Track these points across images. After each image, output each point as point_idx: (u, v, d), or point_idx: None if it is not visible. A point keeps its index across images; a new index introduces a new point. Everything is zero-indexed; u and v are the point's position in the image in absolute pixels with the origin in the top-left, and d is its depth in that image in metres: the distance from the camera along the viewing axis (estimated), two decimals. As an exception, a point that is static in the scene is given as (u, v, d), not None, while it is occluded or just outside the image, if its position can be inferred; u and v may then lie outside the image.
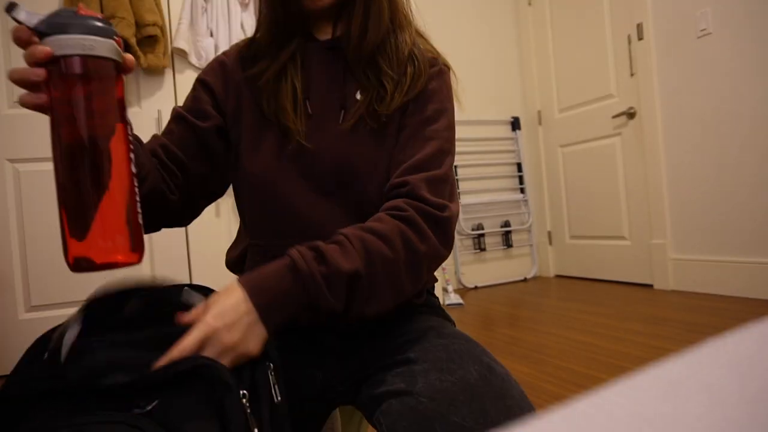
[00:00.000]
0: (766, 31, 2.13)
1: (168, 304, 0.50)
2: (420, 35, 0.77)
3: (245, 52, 0.75)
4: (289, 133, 0.68)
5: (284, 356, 0.63)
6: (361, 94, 0.69)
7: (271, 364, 0.51)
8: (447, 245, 0.62)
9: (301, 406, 0.64)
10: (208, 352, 0.46)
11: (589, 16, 2.98)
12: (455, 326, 0.75)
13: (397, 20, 0.72)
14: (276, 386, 0.51)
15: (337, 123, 0.68)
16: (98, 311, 0.47)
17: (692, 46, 2.40)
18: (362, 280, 0.54)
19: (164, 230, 0.74)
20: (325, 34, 0.73)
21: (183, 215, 0.73)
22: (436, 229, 0.60)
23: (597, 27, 2.93)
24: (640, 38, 2.64)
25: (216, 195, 0.77)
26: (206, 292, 0.56)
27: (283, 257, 0.53)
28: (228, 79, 0.74)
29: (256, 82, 0.72)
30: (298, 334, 0.68)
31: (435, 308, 0.76)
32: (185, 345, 0.45)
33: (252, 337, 0.49)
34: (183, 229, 2.07)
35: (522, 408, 0.52)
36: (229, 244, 0.80)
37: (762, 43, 2.14)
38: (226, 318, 0.48)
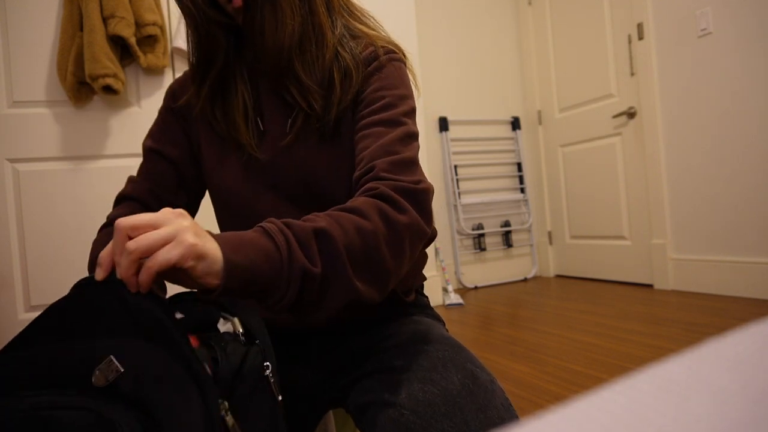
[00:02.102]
0: (766, 30, 2.13)
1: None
2: (360, 21, 0.70)
3: (187, 74, 0.73)
4: (243, 148, 0.67)
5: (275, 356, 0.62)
6: (298, 109, 0.64)
7: (269, 364, 0.51)
8: (427, 219, 0.56)
9: (292, 407, 0.64)
10: (160, 233, 0.40)
11: (589, 16, 2.98)
12: (444, 326, 0.75)
13: (317, 15, 0.64)
14: (275, 385, 0.51)
15: (284, 136, 0.66)
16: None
17: (693, 46, 2.40)
18: (332, 239, 0.47)
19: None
20: None
21: None
22: (412, 202, 0.54)
23: (597, 26, 2.93)
24: (641, 38, 2.64)
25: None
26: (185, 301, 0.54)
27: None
28: (182, 109, 0.73)
29: (199, 92, 0.69)
30: (287, 335, 0.68)
31: (424, 308, 0.75)
32: (137, 220, 0.40)
33: (205, 241, 0.42)
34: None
35: (503, 419, 0.52)
36: None
37: (763, 43, 2.14)
38: (187, 235, 0.41)
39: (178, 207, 0.66)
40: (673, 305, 2.27)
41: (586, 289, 2.86)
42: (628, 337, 1.86)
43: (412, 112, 0.65)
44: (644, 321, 2.05)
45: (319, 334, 0.69)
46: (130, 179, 0.72)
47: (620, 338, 1.85)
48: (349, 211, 0.51)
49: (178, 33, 2.15)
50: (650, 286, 2.71)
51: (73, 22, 1.91)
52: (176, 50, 2.17)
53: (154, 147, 0.72)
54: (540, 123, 3.42)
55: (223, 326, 0.51)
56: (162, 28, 2.04)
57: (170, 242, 0.40)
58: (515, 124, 3.42)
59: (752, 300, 2.20)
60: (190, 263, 0.40)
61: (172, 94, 0.75)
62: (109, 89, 1.90)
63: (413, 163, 0.60)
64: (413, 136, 0.63)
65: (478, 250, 3.23)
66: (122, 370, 0.38)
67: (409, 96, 0.66)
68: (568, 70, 3.18)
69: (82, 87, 1.94)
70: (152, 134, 0.74)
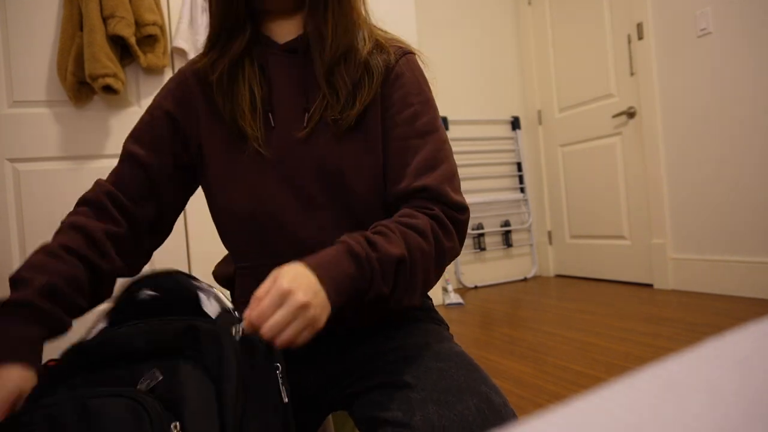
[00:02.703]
0: (766, 30, 2.13)
1: (174, 291, 0.55)
2: (375, 26, 0.73)
3: (201, 61, 0.70)
4: (246, 138, 0.65)
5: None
6: (320, 101, 0.65)
7: (279, 365, 0.53)
8: (462, 244, 0.65)
9: (295, 409, 0.64)
10: (283, 312, 0.46)
11: (588, 16, 2.98)
12: (448, 329, 0.75)
13: (360, 18, 0.68)
14: (284, 387, 0.52)
15: (301, 129, 0.65)
16: (119, 307, 0.54)
17: (692, 46, 2.40)
18: (406, 266, 0.56)
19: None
20: (282, 35, 0.69)
21: (133, 266, 0.69)
22: (457, 230, 0.63)
23: (597, 26, 2.93)
24: (640, 38, 2.64)
25: (164, 235, 0.73)
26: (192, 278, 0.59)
27: (337, 244, 0.54)
28: (188, 95, 0.70)
29: (208, 78, 0.68)
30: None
31: (429, 311, 0.75)
32: (264, 305, 0.46)
33: (321, 305, 0.49)
34: (183, 228, 2.07)
35: None
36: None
37: (762, 43, 2.14)
38: (299, 281, 0.48)
39: (142, 217, 0.67)
40: (673, 305, 2.27)
41: (586, 288, 2.86)
42: (628, 336, 1.86)
43: (437, 114, 0.70)
44: (644, 321, 2.05)
45: (325, 337, 0.69)
46: (97, 182, 0.68)
47: (620, 338, 1.85)
48: (414, 230, 0.58)
49: (178, 33, 2.15)
50: (650, 285, 2.72)
51: (73, 22, 1.90)
52: (176, 50, 2.17)
53: (130, 150, 0.69)
54: (540, 123, 3.42)
55: (208, 304, 0.54)
56: (162, 28, 2.04)
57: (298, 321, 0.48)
58: (515, 123, 3.42)
59: (752, 299, 2.20)
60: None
61: (178, 83, 0.72)
62: (109, 89, 1.90)
63: (453, 174, 0.65)
64: (445, 140, 0.68)
65: (478, 250, 3.23)
66: (160, 377, 0.46)
67: (431, 97, 0.70)
68: (567, 69, 3.18)
69: (82, 87, 1.94)
70: (134, 133, 0.71)
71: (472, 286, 3.17)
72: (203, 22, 2.20)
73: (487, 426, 0.52)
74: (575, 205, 3.20)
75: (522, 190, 3.42)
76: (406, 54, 0.69)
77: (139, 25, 1.95)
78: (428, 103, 0.68)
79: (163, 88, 0.73)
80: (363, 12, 0.69)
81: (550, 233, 3.42)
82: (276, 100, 0.67)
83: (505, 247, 3.33)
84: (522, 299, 2.74)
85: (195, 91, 0.70)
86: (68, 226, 0.61)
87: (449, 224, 0.61)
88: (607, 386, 0.16)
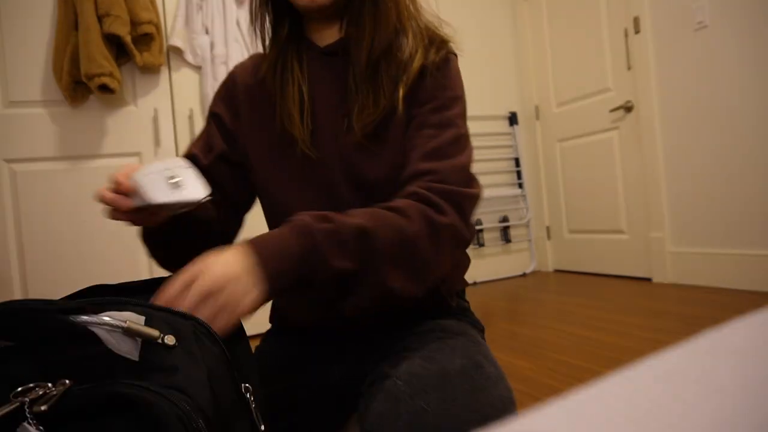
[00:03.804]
0: (764, 23, 2.13)
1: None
2: (425, 18, 0.73)
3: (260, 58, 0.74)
4: (295, 142, 0.66)
5: (303, 349, 0.61)
6: (358, 105, 0.65)
7: (250, 386, 0.44)
8: (465, 224, 0.58)
9: (318, 405, 0.64)
10: (190, 298, 0.41)
11: (585, 10, 2.97)
12: (483, 333, 0.74)
13: (403, 17, 0.68)
14: (257, 413, 0.43)
15: (341, 134, 0.66)
16: None
17: (689, 39, 2.40)
18: (373, 237, 0.49)
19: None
20: (323, 39, 0.70)
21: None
22: (454, 205, 0.57)
23: (593, 21, 2.92)
24: (637, 32, 2.63)
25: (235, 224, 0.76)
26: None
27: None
28: (233, 95, 0.73)
29: (257, 75, 0.71)
30: (318, 332, 0.68)
31: (464, 311, 0.74)
32: (168, 292, 0.42)
33: (242, 288, 0.43)
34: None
35: (496, 408, 0.51)
36: (228, 244, 0.79)
37: (759, 36, 2.14)
38: (213, 265, 0.43)
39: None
40: (672, 298, 2.28)
41: (585, 283, 2.87)
42: (627, 330, 1.86)
43: (464, 114, 0.67)
44: (643, 314, 2.05)
45: (350, 332, 0.68)
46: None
47: (619, 332, 1.85)
48: (391, 210, 0.53)
49: (173, 31, 2.14)
50: (648, 279, 2.72)
51: (68, 22, 1.90)
52: (172, 48, 2.16)
53: (189, 151, 0.73)
54: (537, 118, 3.42)
55: (116, 342, 0.38)
56: (158, 27, 2.03)
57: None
58: (512, 119, 3.42)
59: (751, 292, 2.21)
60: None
61: (224, 84, 0.75)
62: (105, 88, 1.89)
63: (463, 168, 0.61)
64: (464, 139, 0.65)
65: (477, 246, 3.23)
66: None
67: (461, 96, 0.68)
68: (564, 64, 3.18)
69: (78, 86, 1.94)
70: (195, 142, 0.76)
71: (471, 282, 3.17)
72: (199, 20, 2.19)
73: (470, 383, 0.52)
74: (573, 200, 3.20)
75: (520, 185, 3.42)
76: (448, 54, 0.69)
77: (134, 23, 1.95)
78: (456, 100, 0.66)
79: (214, 95, 0.77)
80: (410, 9, 0.69)
81: (548, 228, 3.42)
82: (317, 103, 0.68)
83: (504, 242, 3.33)
84: (521, 294, 2.74)
85: (240, 92, 0.73)
86: None
87: (441, 201, 0.55)
88: (605, 379, 0.16)
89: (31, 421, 0.33)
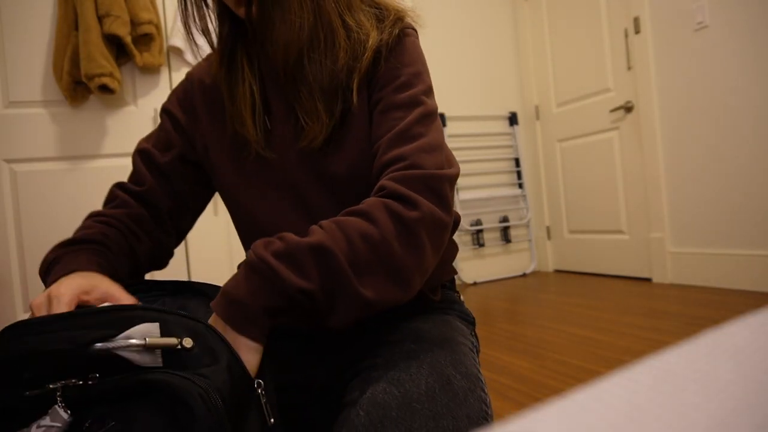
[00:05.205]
0: (763, 23, 2.13)
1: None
2: None
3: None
4: (248, 144, 0.64)
5: (284, 359, 0.61)
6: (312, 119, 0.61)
7: (262, 382, 0.46)
8: (444, 206, 0.53)
9: (307, 411, 0.64)
10: None
11: (585, 10, 2.98)
12: (473, 324, 0.72)
13: (325, 12, 0.60)
14: (267, 406, 0.46)
15: (291, 133, 0.63)
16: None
17: (689, 40, 2.40)
18: (331, 252, 0.47)
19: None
20: None
21: (167, 249, 0.73)
22: (425, 190, 0.52)
23: (594, 21, 2.92)
24: (637, 32, 2.63)
25: (183, 227, 0.75)
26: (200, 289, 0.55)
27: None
28: (190, 97, 0.72)
29: (212, 78, 0.69)
30: (297, 337, 0.67)
31: (452, 303, 0.72)
32: None
33: (245, 352, 0.45)
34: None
35: (459, 429, 0.49)
36: (227, 243, 0.80)
37: (759, 36, 2.14)
38: None
39: (157, 202, 0.69)
40: (672, 299, 2.28)
41: (585, 283, 2.87)
42: (627, 330, 1.86)
43: (429, 90, 0.62)
44: (643, 315, 2.05)
45: (333, 334, 0.66)
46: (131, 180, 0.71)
47: (619, 332, 1.85)
48: (356, 215, 0.50)
49: (174, 31, 2.14)
50: (649, 279, 2.72)
51: (68, 22, 1.90)
52: (172, 49, 2.16)
53: (140, 147, 0.72)
54: (537, 118, 3.42)
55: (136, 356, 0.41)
56: (158, 27, 2.04)
57: None
58: (513, 119, 3.42)
59: (751, 292, 2.21)
60: None
61: (182, 86, 0.74)
62: (105, 88, 1.89)
63: (433, 147, 0.55)
64: (431, 115, 0.59)
65: (477, 246, 3.23)
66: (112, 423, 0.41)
67: (424, 72, 0.62)
68: (565, 64, 3.18)
69: (78, 86, 1.94)
70: (148, 138, 0.74)
71: (471, 282, 3.17)
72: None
73: (431, 407, 0.50)
74: (573, 200, 3.21)
75: (520, 185, 3.42)
76: (403, 30, 0.63)
77: (134, 24, 1.95)
78: (419, 76, 0.61)
79: (170, 93, 0.76)
80: (332, 4, 0.61)
81: (548, 228, 3.42)
82: (273, 102, 0.66)
83: (504, 242, 3.33)
84: (521, 295, 2.74)
85: (197, 94, 0.71)
86: (89, 218, 0.66)
87: (409, 192, 0.51)
88: (605, 379, 0.16)
89: (60, 405, 0.38)
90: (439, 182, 0.53)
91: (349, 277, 0.47)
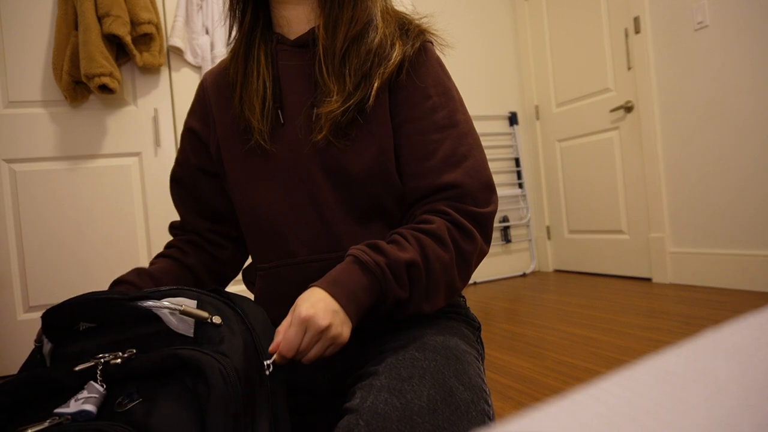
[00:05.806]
0: (763, 23, 2.13)
1: (119, 312, 0.50)
2: (391, 3, 0.71)
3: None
4: (251, 132, 0.65)
5: (289, 362, 0.62)
6: (327, 97, 0.63)
7: (270, 364, 0.51)
8: (488, 241, 0.64)
9: (310, 415, 0.64)
10: (308, 338, 0.51)
11: (585, 10, 2.97)
12: (478, 329, 0.72)
13: (375, 3, 0.66)
14: (277, 389, 0.51)
15: (308, 129, 0.64)
16: (57, 326, 0.50)
17: (689, 39, 2.40)
18: (420, 270, 0.56)
19: (161, 231, 0.76)
20: (292, 30, 0.68)
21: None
22: (478, 227, 0.62)
23: (594, 21, 2.92)
24: (637, 32, 2.63)
25: (234, 238, 0.82)
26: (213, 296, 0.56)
27: (346, 258, 0.57)
28: (205, 103, 0.74)
29: (225, 78, 0.71)
30: None
31: (458, 308, 0.72)
32: (290, 335, 0.50)
33: (341, 322, 0.52)
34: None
35: None
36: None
37: (759, 36, 2.14)
38: (317, 306, 0.51)
39: (200, 229, 0.76)
40: (672, 298, 2.28)
41: (585, 283, 2.87)
42: (627, 330, 1.86)
43: (461, 104, 0.67)
44: (643, 315, 2.05)
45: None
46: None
47: (619, 332, 1.85)
48: (430, 236, 0.58)
49: (173, 31, 2.14)
50: (649, 279, 2.72)
51: (68, 21, 1.90)
52: (172, 48, 2.16)
53: (172, 172, 0.78)
54: (537, 118, 3.42)
55: (175, 321, 0.49)
56: (158, 27, 2.03)
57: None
58: (513, 119, 3.42)
59: (751, 292, 2.21)
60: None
61: (197, 94, 0.76)
62: (105, 88, 1.89)
63: (477, 169, 0.63)
64: (470, 133, 0.65)
65: (477, 246, 3.23)
66: (138, 399, 0.46)
67: (452, 87, 0.67)
68: (565, 64, 3.18)
69: (78, 86, 1.94)
70: (177, 159, 0.79)
71: (471, 282, 3.17)
72: (199, 20, 2.19)
73: (432, 420, 0.50)
74: (573, 200, 3.20)
75: (520, 185, 3.42)
76: (424, 43, 0.67)
77: (134, 23, 1.95)
78: (447, 94, 0.65)
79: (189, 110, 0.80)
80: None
81: (548, 228, 3.42)
82: (286, 96, 0.66)
83: (504, 242, 3.33)
84: (521, 295, 2.74)
85: (211, 95, 0.72)
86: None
87: (468, 225, 0.60)
88: (605, 379, 0.16)
89: (98, 379, 0.44)
90: (488, 221, 0.63)
91: (423, 292, 0.58)
